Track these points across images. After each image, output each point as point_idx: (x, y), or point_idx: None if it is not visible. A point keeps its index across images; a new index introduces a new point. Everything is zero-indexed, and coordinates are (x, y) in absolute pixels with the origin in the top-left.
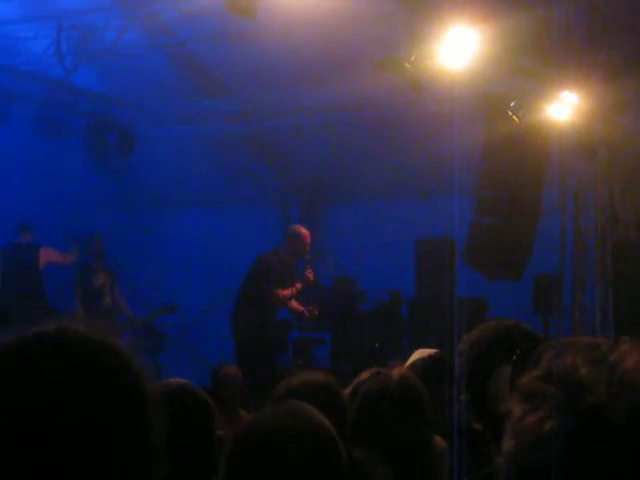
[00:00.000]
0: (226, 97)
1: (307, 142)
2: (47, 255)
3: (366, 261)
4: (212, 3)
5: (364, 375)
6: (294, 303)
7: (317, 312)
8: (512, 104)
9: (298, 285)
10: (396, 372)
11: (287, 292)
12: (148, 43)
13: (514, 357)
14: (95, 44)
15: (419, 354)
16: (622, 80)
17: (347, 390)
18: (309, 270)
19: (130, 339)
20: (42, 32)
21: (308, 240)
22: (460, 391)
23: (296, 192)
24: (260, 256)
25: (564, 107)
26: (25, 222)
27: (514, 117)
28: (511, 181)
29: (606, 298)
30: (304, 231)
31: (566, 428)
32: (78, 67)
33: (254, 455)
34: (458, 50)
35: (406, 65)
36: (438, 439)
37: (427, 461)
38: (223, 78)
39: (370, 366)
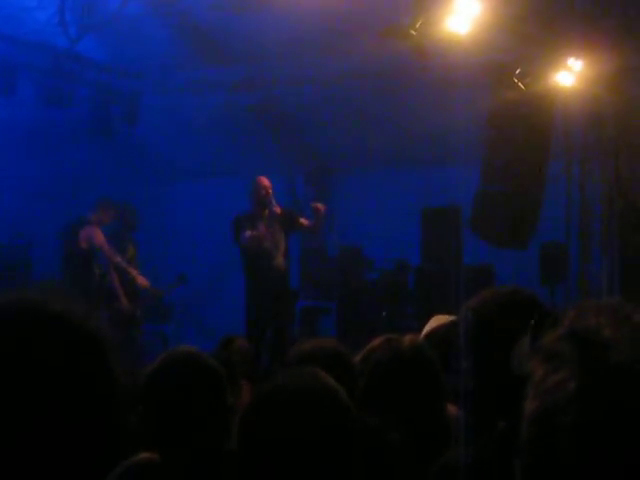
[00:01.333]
0: (231, 66)
1: (312, 111)
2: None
3: (372, 230)
4: None
5: (376, 342)
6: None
7: (322, 207)
8: (517, 71)
9: (303, 221)
10: (408, 339)
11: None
12: (152, 12)
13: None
14: (99, 14)
15: (436, 321)
16: (627, 46)
17: (358, 357)
18: (314, 204)
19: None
20: (46, 1)
21: (263, 183)
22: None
23: (302, 161)
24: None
25: (569, 74)
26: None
27: (520, 84)
28: (517, 149)
29: (612, 265)
30: (257, 178)
31: (589, 390)
32: (82, 37)
33: (269, 422)
34: (463, 17)
35: (412, 32)
36: (452, 407)
37: (440, 428)
38: (228, 47)
39: (377, 334)
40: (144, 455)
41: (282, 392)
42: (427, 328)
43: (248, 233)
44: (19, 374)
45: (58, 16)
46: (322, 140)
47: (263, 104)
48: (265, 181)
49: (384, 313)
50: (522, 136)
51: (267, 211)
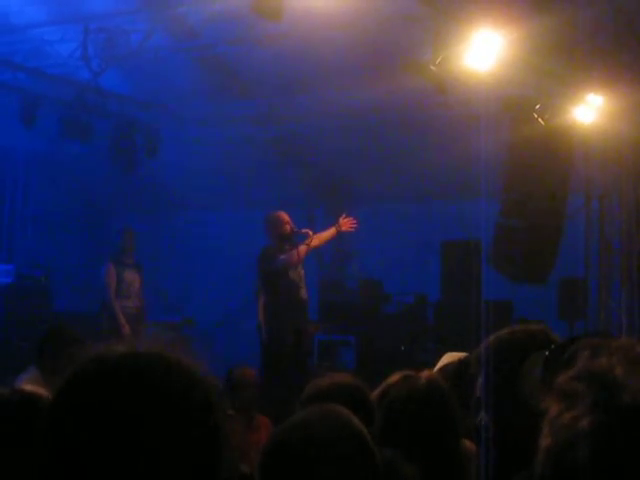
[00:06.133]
0: (251, 100)
1: (332, 145)
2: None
3: (392, 263)
4: (238, 5)
5: (394, 378)
6: (302, 251)
7: (311, 232)
8: (537, 106)
9: (301, 249)
10: (425, 375)
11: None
12: (174, 46)
13: (546, 354)
14: (121, 47)
15: (448, 358)
16: None
17: (375, 392)
18: (305, 230)
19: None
20: (69, 35)
21: (285, 218)
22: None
23: (321, 195)
24: (257, 255)
25: (589, 109)
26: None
27: (539, 119)
28: (536, 184)
29: (632, 301)
30: (277, 213)
31: (602, 427)
32: (104, 70)
33: (290, 460)
34: (483, 53)
35: (431, 68)
36: (467, 443)
37: (454, 464)
38: (248, 81)
39: (396, 369)
40: None
41: (300, 433)
42: (439, 365)
43: (283, 256)
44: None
45: (81, 49)
46: (341, 173)
47: (283, 137)
48: (286, 216)
49: (403, 347)
50: (541, 171)
51: (288, 245)
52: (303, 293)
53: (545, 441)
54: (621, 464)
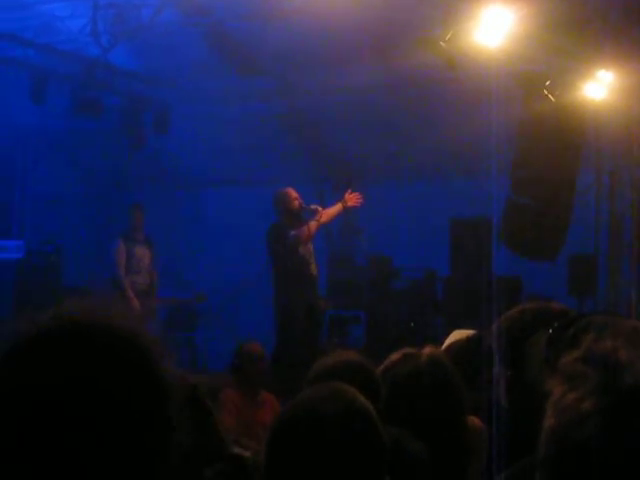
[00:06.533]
0: (261, 76)
1: (342, 120)
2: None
3: (401, 239)
4: None
5: (394, 356)
6: (312, 227)
7: (320, 208)
8: (548, 83)
9: (312, 225)
10: (426, 352)
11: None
12: (184, 21)
13: (550, 330)
14: (131, 23)
15: (456, 335)
16: None
17: (377, 371)
18: (314, 206)
19: (165, 316)
20: (78, 11)
21: (294, 194)
22: (501, 370)
23: (331, 171)
24: (266, 230)
25: (600, 86)
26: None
27: (550, 96)
28: (547, 160)
29: None
30: (285, 189)
31: (605, 408)
32: (114, 46)
33: (297, 438)
34: (494, 29)
35: (442, 44)
36: (474, 420)
37: (458, 441)
38: (258, 56)
39: (405, 345)
40: None
41: (308, 412)
42: (447, 342)
43: (294, 232)
44: (69, 400)
45: (90, 25)
46: (351, 149)
47: (293, 113)
48: (294, 192)
49: (412, 323)
50: (552, 147)
51: (297, 221)
52: (313, 269)
53: (549, 422)
54: (624, 445)
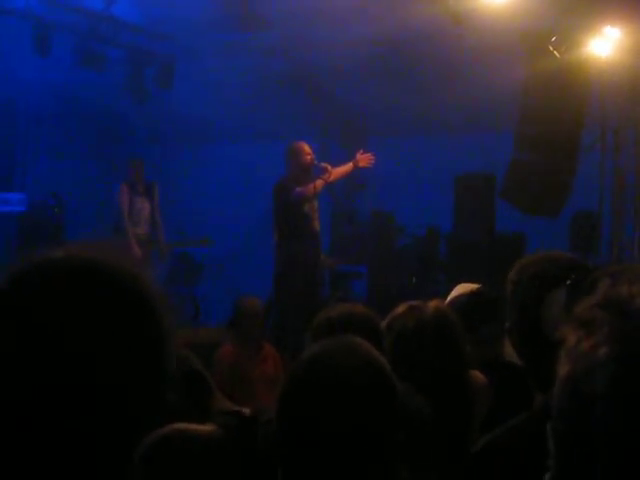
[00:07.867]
0: (265, 31)
1: (347, 76)
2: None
3: (405, 196)
4: None
5: (400, 309)
6: (318, 184)
7: (329, 167)
8: (553, 39)
9: (318, 182)
10: (432, 306)
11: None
12: None
13: (568, 282)
14: None
15: (461, 289)
16: None
17: (382, 324)
18: (324, 164)
19: (167, 270)
20: None
21: (307, 149)
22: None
23: (335, 126)
24: (273, 185)
25: (606, 42)
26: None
27: (555, 52)
28: (551, 117)
29: None
30: (299, 143)
31: (620, 355)
32: None
33: (316, 393)
34: None
35: (449, 0)
36: (477, 374)
37: (461, 395)
38: (261, 11)
39: (407, 301)
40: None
41: (322, 365)
42: (451, 296)
43: (300, 189)
44: (68, 335)
45: None
46: (356, 105)
47: (297, 68)
48: (308, 147)
49: (414, 279)
50: (557, 104)
51: (306, 177)
52: (316, 225)
53: (563, 370)
54: (638, 393)
